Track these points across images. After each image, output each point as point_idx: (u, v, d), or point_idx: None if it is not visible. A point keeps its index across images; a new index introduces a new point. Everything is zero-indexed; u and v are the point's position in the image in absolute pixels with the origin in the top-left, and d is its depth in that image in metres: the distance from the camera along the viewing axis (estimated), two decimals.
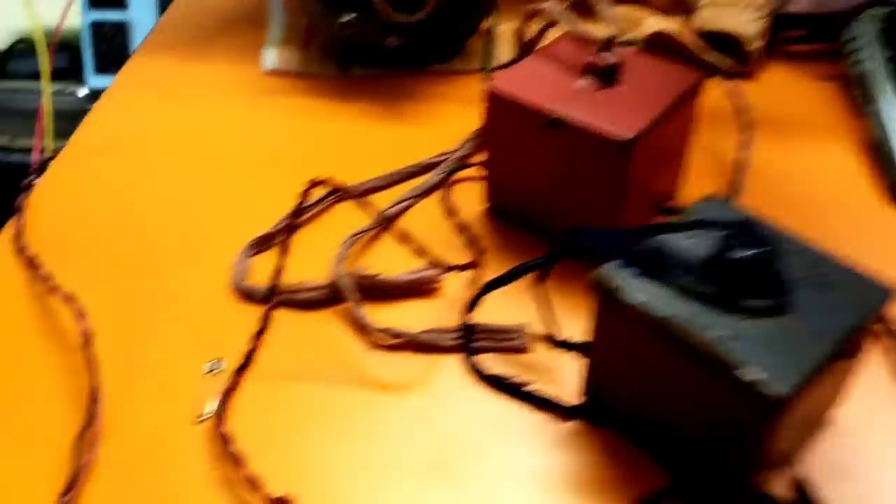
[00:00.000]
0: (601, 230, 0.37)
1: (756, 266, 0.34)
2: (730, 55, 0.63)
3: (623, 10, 0.66)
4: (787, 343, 0.32)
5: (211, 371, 0.42)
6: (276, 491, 0.35)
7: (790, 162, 0.55)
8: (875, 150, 0.55)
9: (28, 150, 1.11)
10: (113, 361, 0.42)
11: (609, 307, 0.36)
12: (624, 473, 0.37)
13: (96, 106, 0.62)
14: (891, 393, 0.40)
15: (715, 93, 0.58)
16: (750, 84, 0.63)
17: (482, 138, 0.50)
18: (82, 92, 1.15)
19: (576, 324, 0.42)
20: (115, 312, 0.44)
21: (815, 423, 0.38)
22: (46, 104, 0.91)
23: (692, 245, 0.36)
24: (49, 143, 0.94)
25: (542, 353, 0.43)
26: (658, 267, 0.35)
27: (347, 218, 0.51)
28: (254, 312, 0.45)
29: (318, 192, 0.52)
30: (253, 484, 0.36)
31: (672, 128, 0.47)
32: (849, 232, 0.50)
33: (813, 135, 0.58)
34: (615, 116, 0.44)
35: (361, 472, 0.37)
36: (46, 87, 0.98)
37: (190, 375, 0.42)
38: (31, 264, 0.46)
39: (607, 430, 0.39)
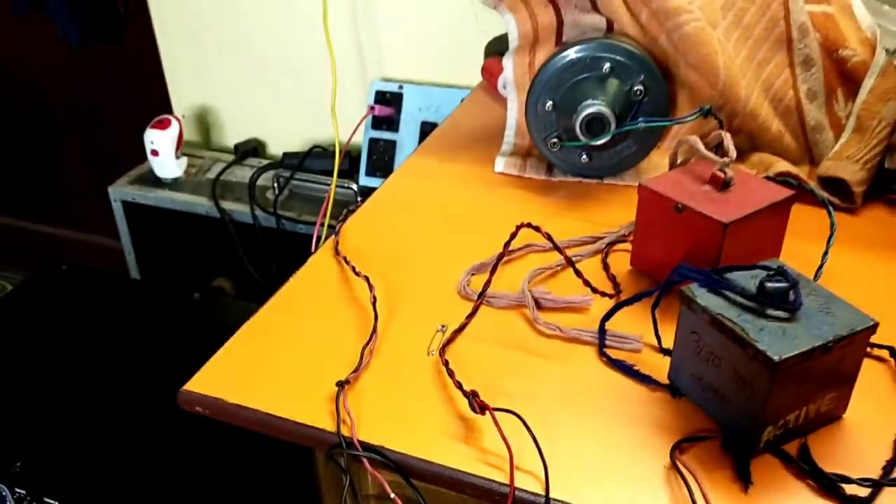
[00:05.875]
0: (693, 268, 0.60)
1: (781, 292, 0.55)
2: (840, 196, 0.83)
3: (759, 156, 0.88)
4: (790, 336, 0.53)
5: (440, 330, 0.68)
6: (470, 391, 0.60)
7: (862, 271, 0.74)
8: None
9: (307, 223, 1.48)
10: (385, 315, 0.69)
11: (687, 307, 0.58)
12: (687, 421, 0.58)
13: (383, 185, 0.94)
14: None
15: (819, 218, 0.78)
16: (852, 216, 0.82)
17: (636, 219, 0.74)
18: (354, 187, 1.54)
19: (669, 336, 0.64)
20: (389, 292, 0.73)
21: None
22: (332, 193, 1.26)
23: (747, 277, 0.57)
24: (328, 220, 1.29)
25: (647, 352, 0.65)
26: (721, 287, 0.57)
27: (536, 262, 0.76)
28: (468, 306, 0.71)
29: (519, 242, 0.78)
30: (458, 386, 0.60)
31: (764, 225, 0.69)
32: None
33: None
34: (721, 208, 0.67)
35: (526, 398, 0.61)
36: (333, 181, 1.32)
37: (428, 331, 0.68)
38: (345, 261, 0.76)
39: (679, 398, 0.60)
